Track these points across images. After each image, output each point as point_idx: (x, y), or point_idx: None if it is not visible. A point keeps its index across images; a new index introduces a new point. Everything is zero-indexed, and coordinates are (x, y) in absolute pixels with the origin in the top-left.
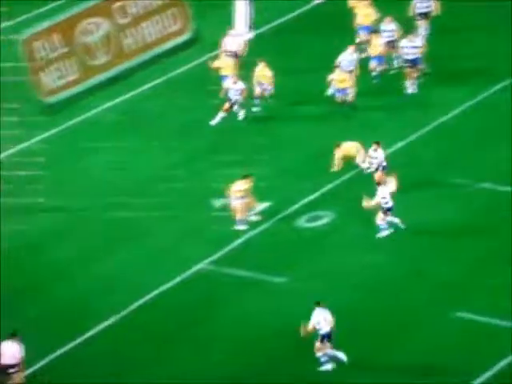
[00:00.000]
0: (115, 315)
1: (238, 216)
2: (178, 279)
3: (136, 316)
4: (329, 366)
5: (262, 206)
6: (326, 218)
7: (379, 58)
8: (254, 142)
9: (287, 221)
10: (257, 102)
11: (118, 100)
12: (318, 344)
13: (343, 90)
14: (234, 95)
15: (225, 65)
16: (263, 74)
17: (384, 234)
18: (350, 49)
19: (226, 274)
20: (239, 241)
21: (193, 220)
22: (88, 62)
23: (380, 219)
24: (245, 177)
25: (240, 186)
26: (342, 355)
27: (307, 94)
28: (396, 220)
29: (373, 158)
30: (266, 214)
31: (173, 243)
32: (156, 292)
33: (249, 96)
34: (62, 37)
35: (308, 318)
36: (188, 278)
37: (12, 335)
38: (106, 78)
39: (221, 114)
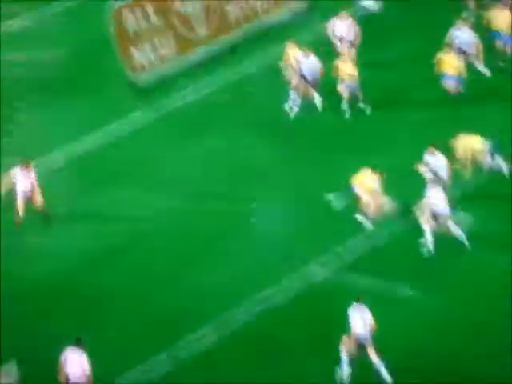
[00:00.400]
0: (211, 329)
1: (364, 213)
2: (287, 287)
3: (237, 330)
4: (345, 370)
5: (390, 204)
6: (463, 221)
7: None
8: (368, 133)
9: (418, 224)
10: (345, 106)
11: (217, 81)
12: (345, 341)
13: (451, 77)
14: (310, 75)
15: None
16: (344, 71)
17: (425, 240)
18: (465, 26)
19: (345, 283)
20: (361, 244)
21: (304, 220)
22: (185, 35)
23: (425, 222)
24: (373, 169)
25: (368, 180)
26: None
27: (418, 81)
28: (429, 239)
29: (428, 164)
30: (395, 215)
31: (282, 245)
32: (262, 302)
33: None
34: (156, 6)
35: (445, 335)
36: (300, 286)
37: (77, 343)
38: (206, 54)
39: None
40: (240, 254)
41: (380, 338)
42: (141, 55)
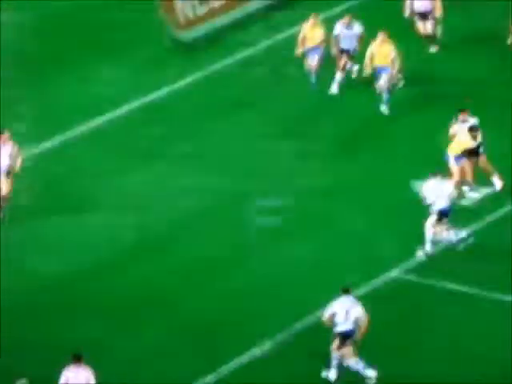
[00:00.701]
0: (273, 336)
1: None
2: (362, 290)
3: (302, 339)
4: (332, 374)
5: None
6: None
7: None
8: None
9: None
10: (384, 96)
11: (274, 36)
12: (334, 344)
13: None
14: (347, 45)
15: (313, 36)
16: (382, 53)
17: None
18: None
19: (429, 286)
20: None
21: (384, 210)
22: None
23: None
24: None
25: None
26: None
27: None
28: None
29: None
30: (490, 202)
31: (357, 241)
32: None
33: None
34: None
35: None
36: (377, 289)
37: (76, 358)
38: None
39: (339, 76)
40: (307, 252)
41: (465, 350)
42: (186, 7)
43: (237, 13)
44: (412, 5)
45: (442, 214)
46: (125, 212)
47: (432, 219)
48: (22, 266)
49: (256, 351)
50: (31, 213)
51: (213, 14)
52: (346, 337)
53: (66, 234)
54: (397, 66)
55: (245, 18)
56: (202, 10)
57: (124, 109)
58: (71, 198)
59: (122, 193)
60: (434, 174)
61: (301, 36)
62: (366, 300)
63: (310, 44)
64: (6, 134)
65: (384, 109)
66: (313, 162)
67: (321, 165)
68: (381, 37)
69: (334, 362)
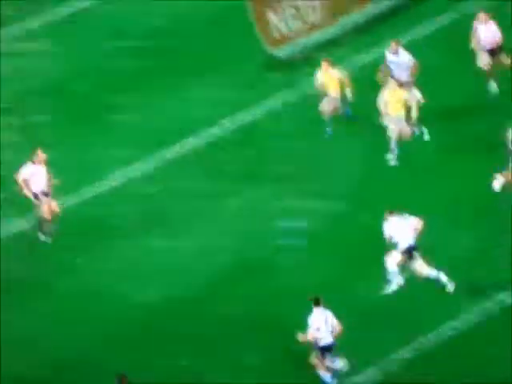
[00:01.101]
0: (378, 363)
1: None
2: (461, 322)
3: (408, 366)
4: None
5: None
6: None
7: None
8: None
9: None
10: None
11: (376, 52)
12: (315, 359)
13: None
14: (397, 74)
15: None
16: (395, 100)
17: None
18: None
19: None
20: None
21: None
22: None
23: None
24: None
25: None
26: (340, 364)
27: None
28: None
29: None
30: None
31: (465, 264)
32: (434, 335)
33: None
34: None
35: None
36: (480, 316)
37: (118, 380)
38: (363, 20)
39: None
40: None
41: None
42: (279, 22)
43: (333, 29)
44: (479, 36)
45: (412, 251)
46: (221, 236)
47: (395, 258)
48: (115, 293)
49: (360, 379)
50: (123, 237)
51: (308, 29)
52: (329, 349)
53: (160, 258)
54: (414, 113)
55: (341, 34)
56: (296, 26)
57: (219, 129)
58: (165, 221)
59: (217, 216)
60: (390, 212)
61: (319, 82)
62: (477, 328)
63: (329, 90)
64: (42, 155)
65: (390, 158)
66: (412, 181)
67: (420, 182)
68: (392, 85)
69: (328, 375)
